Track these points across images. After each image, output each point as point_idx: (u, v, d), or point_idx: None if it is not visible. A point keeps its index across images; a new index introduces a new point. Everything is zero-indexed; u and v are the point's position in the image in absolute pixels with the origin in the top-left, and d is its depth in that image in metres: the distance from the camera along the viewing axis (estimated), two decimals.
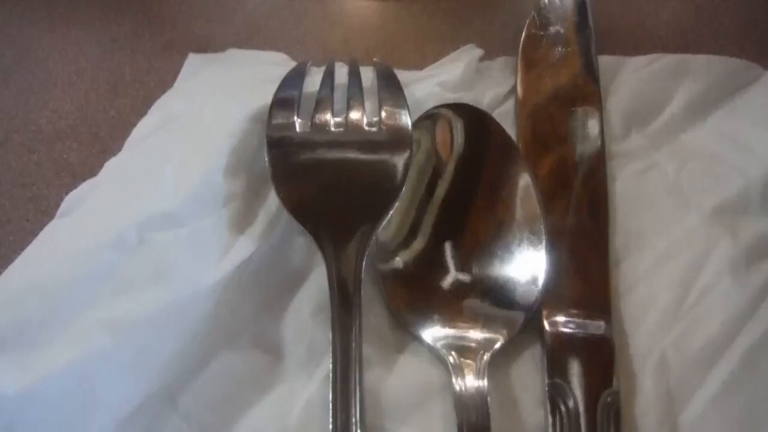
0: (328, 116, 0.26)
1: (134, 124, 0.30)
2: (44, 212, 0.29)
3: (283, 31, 0.36)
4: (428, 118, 0.28)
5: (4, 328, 0.20)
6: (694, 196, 0.27)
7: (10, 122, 0.32)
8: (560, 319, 0.23)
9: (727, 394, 0.21)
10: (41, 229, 0.26)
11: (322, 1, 0.38)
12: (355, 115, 0.26)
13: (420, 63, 0.34)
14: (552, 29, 0.32)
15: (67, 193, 0.28)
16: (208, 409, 0.22)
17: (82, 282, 0.21)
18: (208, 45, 0.35)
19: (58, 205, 0.28)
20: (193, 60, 0.34)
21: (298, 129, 0.26)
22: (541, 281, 0.24)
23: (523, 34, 0.32)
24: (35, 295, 0.21)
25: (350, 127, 0.26)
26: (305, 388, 0.22)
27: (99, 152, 0.31)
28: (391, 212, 0.24)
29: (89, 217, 0.24)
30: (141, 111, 0.32)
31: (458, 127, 0.28)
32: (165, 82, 0.33)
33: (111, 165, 0.27)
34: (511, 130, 0.28)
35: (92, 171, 0.30)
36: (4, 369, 0.19)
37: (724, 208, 0.26)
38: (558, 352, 0.23)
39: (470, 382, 0.22)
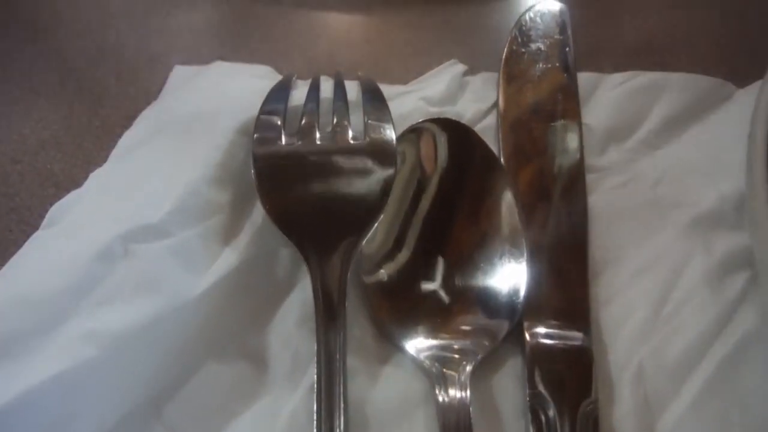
0: (313, 129, 0.27)
1: (119, 135, 0.30)
2: (27, 223, 0.29)
3: (268, 44, 0.37)
4: (412, 132, 0.28)
5: None
6: (671, 210, 0.27)
7: None
8: (541, 330, 0.24)
9: (701, 403, 0.22)
10: (24, 240, 0.26)
11: (307, 14, 0.39)
12: (340, 128, 0.27)
13: (404, 77, 0.34)
14: (533, 46, 0.33)
15: (50, 204, 0.27)
16: (192, 420, 0.22)
17: (67, 293, 0.21)
18: (193, 57, 0.36)
19: (41, 216, 0.28)
20: (179, 72, 0.34)
21: (283, 142, 0.26)
22: (522, 293, 0.24)
23: (505, 50, 0.33)
24: (20, 306, 0.21)
25: (335, 140, 0.26)
26: (290, 398, 0.22)
27: (83, 163, 0.31)
28: (376, 225, 0.25)
29: (74, 228, 0.24)
30: (126, 122, 0.32)
31: (442, 141, 0.28)
32: (150, 93, 0.34)
33: (96, 176, 0.27)
34: (492, 145, 0.29)
35: (76, 182, 0.30)
36: None
37: (699, 221, 0.27)
38: (538, 362, 0.23)
39: (453, 392, 0.22)
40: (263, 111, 0.27)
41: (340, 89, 0.29)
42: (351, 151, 0.26)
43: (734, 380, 0.22)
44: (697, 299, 0.24)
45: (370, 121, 0.27)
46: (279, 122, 0.27)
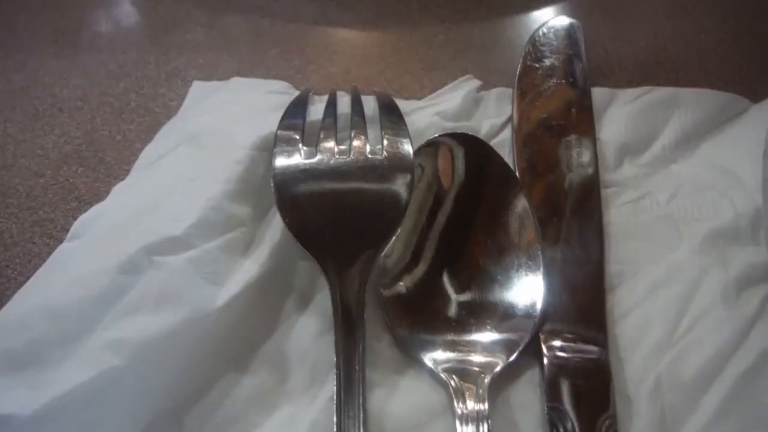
0: (332, 144, 0.27)
1: (140, 150, 0.31)
2: (50, 235, 0.29)
3: (285, 61, 0.37)
4: (429, 147, 0.28)
5: (17, 349, 0.20)
6: (686, 225, 0.28)
7: (17, 146, 0.33)
8: (558, 343, 0.24)
9: (719, 418, 0.22)
10: (47, 252, 0.27)
11: (323, 31, 0.39)
12: (358, 143, 0.27)
13: (419, 93, 0.35)
14: (547, 62, 0.33)
15: (73, 217, 0.28)
16: (213, 430, 0.22)
17: (92, 303, 0.22)
18: (212, 73, 0.36)
19: (64, 229, 0.29)
20: (198, 87, 0.34)
21: (303, 156, 0.26)
22: (539, 306, 0.24)
23: (519, 66, 0.33)
24: (47, 316, 0.21)
25: (354, 154, 0.27)
26: (309, 409, 0.23)
27: (105, 177, 0.31)
28: (394, 238, 0.25)
29: (99, 240, 0.24)
30: (146, 137, 0.32)
31: (458, 155, 0.28)
32: (170, 108, 0.34)
33: (119, 189, 0.28)
34: (507, 159, 0.29)
35: (98, 195, 0.30)
36: (18, 389, 0.19)
37: (714, 237, 0.27)
38: (556, 376, 0.23)
39: (471, 405, 0.22)
40: (282, 126, 0.28)
41: (357, 104, 0.30)
42: (369, 165, 0.26)
43: (752, 395, 0.22)
44: (714, 315, 0.24)
45: (387, 136, 0.27)
46: (298, 137, 0.27)
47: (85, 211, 0.27)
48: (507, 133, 0.32)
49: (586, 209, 0.28)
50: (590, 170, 0.29)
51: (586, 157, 0.30)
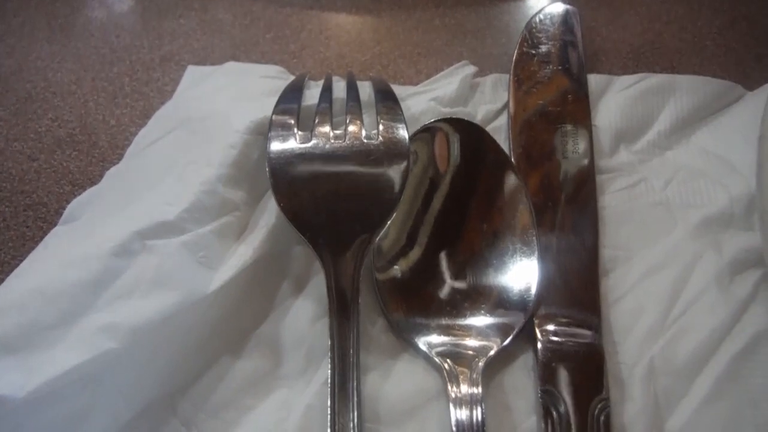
0: (327, 128, 0.27)
1: (133, 134, 0.31)
2: (43, 219, 0.29)
3: (280, 45, 0.37)
4: (425, 132, 0.28)
5: (10, 332, 0.20)
6: (680, 211, 0.28)
7: (10, 130, 0.33)
8: (552, 328, 0.24)
9: (711, 402, 0.22)
10: (40, 236, 0.27)
11: (318, 16, 0.39)
12: (353, 127, 0.27)
13: (414, 78, 0.35)
14: (543, 48, 0.33)
15: (66, 201, 0.28)
16: (207, 414, 0.22)
17: (86, 287, 0.22)
18: (206, 57, 0.36)
19: (57, 213, 0.29)
20: (192, 72, 0.34)
21: (298, 141, 0.26)
22: (533, 290, 0.24)
23: (515, 52, 0.33)
24: (40, 299, 0.21)
25: (349, 139, 0.27)
26: (304, 393, 0.23)
27: (98, 161, 0.31)
28: (389, 223, 0.25)
29: (93, 223, 0.24)
30: (140, 121, 0.32)
31: (454, 140, 0.28)
32: (164, 93, 0.34)
33: (113, 173, 0.28)
34: (503, 145, 0.29)
35: (92, 179, 0.30)
36: (11, 372, 0.19)
37: (709, 222, 0.27)
38: (550, 360, 0.23)
39: (465, 389, 0.22)
40: (277, 110, 0.28)
41: (352, 89, 0.29)
42: (364, 150, 0.26)
43: (745, 378, 0.23)
44: (708, 298, 0.25)
45: (383, 121, 0.27)
46: (293, 121, 0.27)
47: (79, 195, 0.27)
48: (503, 120, 0.31)
49: (581, 195, 0.28)
50: (586, 157, 0.29)
51: (581, 143, 0.30)
